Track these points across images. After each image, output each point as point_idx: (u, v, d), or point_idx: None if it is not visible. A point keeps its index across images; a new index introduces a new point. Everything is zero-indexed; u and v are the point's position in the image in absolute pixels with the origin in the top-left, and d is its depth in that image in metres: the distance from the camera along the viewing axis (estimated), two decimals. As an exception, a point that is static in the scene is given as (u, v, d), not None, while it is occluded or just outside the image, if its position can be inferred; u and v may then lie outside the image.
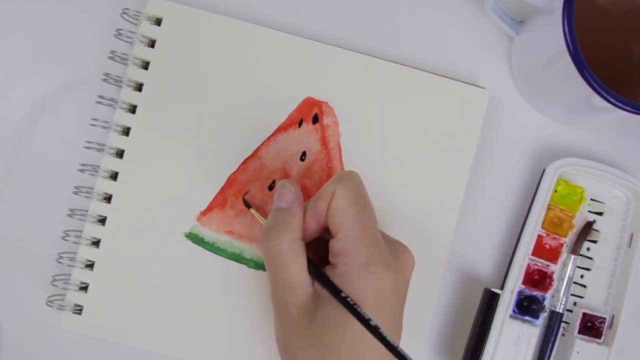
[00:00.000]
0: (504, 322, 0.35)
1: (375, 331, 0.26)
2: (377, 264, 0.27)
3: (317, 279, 0.28)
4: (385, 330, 0.26)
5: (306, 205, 0.30)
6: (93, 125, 0.36)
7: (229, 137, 0.36)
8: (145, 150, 0.36)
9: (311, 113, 0.36)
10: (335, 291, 0.27)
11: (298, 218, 0.29)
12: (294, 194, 0.30)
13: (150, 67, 0.36)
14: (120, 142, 0.36)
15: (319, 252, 0.30)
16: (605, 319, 0.36)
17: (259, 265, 0.36)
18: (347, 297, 0.27)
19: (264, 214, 0.34)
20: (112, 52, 0.36)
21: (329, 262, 0.29)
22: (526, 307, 0.36)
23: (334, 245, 0.28)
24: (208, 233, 0.36)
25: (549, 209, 0.36)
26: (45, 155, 0.37)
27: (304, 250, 0.29)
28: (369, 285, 0.27)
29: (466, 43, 0.38)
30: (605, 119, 0.37)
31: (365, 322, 0.26)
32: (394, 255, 0.29)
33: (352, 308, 0.26)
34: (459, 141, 0.36)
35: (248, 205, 0.34)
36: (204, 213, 0.36)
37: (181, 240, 0.36)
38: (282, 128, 0.36)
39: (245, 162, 0.36)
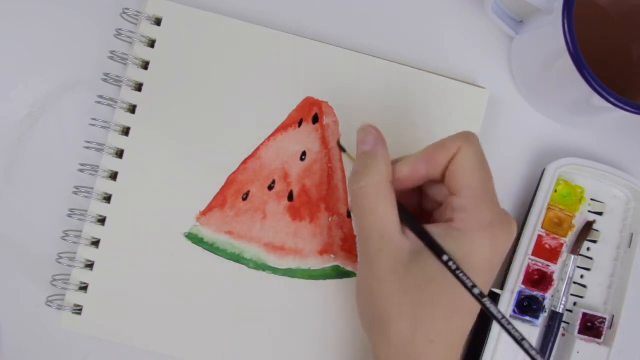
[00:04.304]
0: (504, 322, 0.35)
1: (478, 299, 0.25)
2: (497, 225, 0.27)
3: (416, 233, 0.27)
4: (485, 291, 0.26)
5: (421, 152, 0.29)
6: (93, 125, 0.36)
7: (229, 137, 0.36)
8: (145, 150, 0.36)
9: (311, 113, 0.36)
10: (438, 253, 0.26)
11: (383, 160, 0.28)
12: (375, 136, 0.29)
13: (150, 67, 0.36)
14: (120, 142, 0.36)
15: (412, 204, 0.29)
16: (605, 319, 0.36)
17: (258, 266, 0.36)
18: (450, 260, 0.26)
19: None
20: (112, 52, 0.36)
21: (423, 214, 0.28)
22: (526, 307, 0.36)
23: (455, 201, 0.27)
24: (208, 233, 0.36)
25: (549, 209, 0.36)
26: (45, 155, 0.37)
27: (393, 195, 0.28)
28: (487, 244, 0.27)
29: (466, 43, 0.38)
30: (605, 119, 0.37)
31: (467, 287, 0.25)
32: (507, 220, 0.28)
33: (454, 273, 0.26)
34: (459, 141, 0.36)
35: (343, 149, 0.33)
36: (204, 213, 0.36)
37: (181, 241, 0.35)
38: (282, 128, 0.36)
39: (245, 162, 0.36)
